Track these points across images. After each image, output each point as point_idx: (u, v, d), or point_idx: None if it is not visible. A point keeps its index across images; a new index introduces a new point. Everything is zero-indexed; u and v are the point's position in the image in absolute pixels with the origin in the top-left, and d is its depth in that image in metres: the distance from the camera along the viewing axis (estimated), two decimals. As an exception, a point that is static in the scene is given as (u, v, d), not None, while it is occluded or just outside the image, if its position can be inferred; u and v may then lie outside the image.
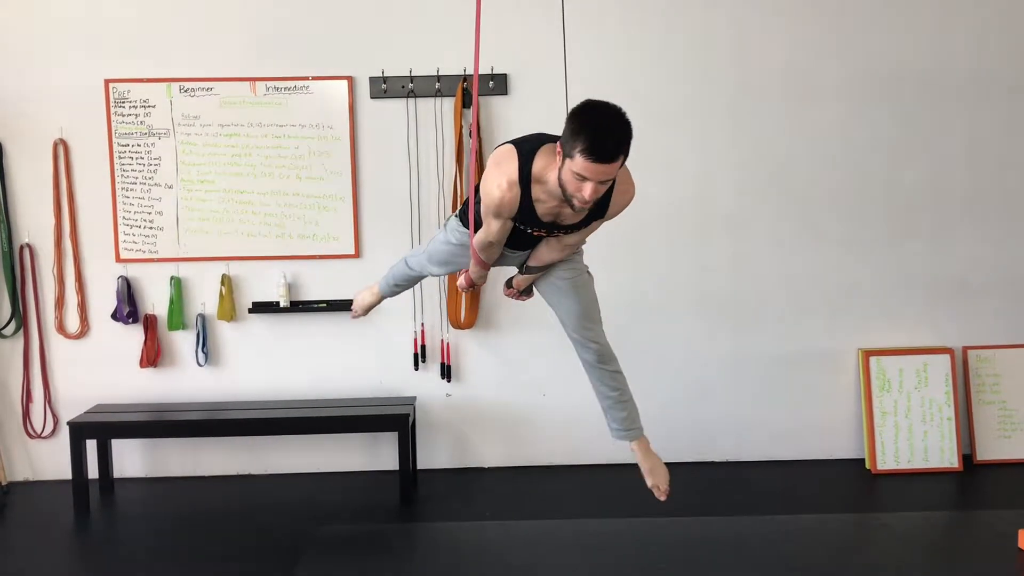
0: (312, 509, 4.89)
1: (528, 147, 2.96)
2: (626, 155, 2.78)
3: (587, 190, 2.77)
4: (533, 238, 3.19)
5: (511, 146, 3.01)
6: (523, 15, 5.21)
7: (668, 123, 5.31)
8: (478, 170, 5.13)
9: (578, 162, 2.72)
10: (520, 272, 3.43)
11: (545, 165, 2.91)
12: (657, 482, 3.41)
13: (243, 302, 5.38)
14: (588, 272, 3.42)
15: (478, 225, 3.18)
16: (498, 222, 3.04)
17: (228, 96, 5.26)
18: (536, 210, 3.00)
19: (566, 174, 2.79)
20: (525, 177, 2.93)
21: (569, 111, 2.80)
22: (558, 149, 2.82)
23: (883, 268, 5.44)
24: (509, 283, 3.52)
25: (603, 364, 3.40)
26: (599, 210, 3.02)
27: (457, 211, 3.48)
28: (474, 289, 3.75)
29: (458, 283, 3.52)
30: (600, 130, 2.71)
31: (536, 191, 2.95)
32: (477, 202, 3.17)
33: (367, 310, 4.02)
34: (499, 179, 2.94)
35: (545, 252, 3.28)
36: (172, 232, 5.32)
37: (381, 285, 3.91)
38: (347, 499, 5.07)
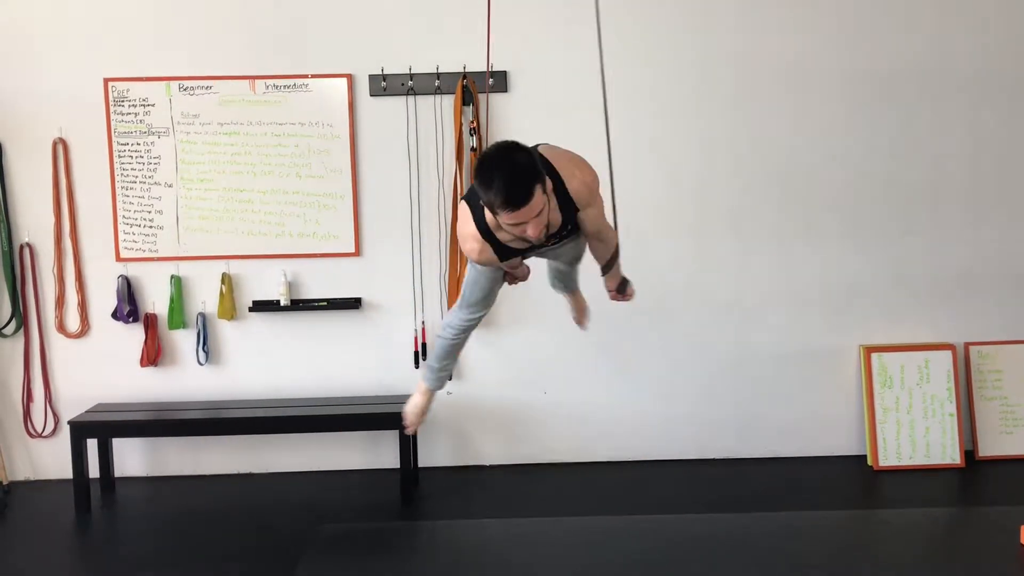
0: (313, 508, 4.89)
1: (475, 200, 2.98)
2: (542, 182, 2.79)
3: (529, 229, 2.82)
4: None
5: (464, 203, 3.10)
6: (523, 12, 5.20)
7: (669, 121, 5.30)
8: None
9: (504, 216, 2.79)
10: (603, 275, 3.52)
11: (491, 215, 2.94)
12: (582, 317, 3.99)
13: (243, 301, 5.37)
14: None
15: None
16: (489, 265, 3.16)
17: (227, 94, 5.25)
18: (512, 247, 3.06)
19: (504, 224, 2.85)
20: (484, 230, 3.00)
21: (475, 165, 2.85)
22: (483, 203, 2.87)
23: (884, 265, 5.43)
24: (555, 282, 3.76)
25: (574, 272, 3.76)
26: (568, 211, 3.04)
27: None
28: (522, 279, 3.61)
29: (507, 282, 3.51)
30: (503, 182, 2.72)
31: (501, 235, 3.00)
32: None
33: (423, 415, 3.73)
34: (467, 240, 3.07)
35: (598, 249, 3.37)
36: (172, 231, 5.32)
37: (428, 381, 3.64)
38: (348, 497, 5.06)
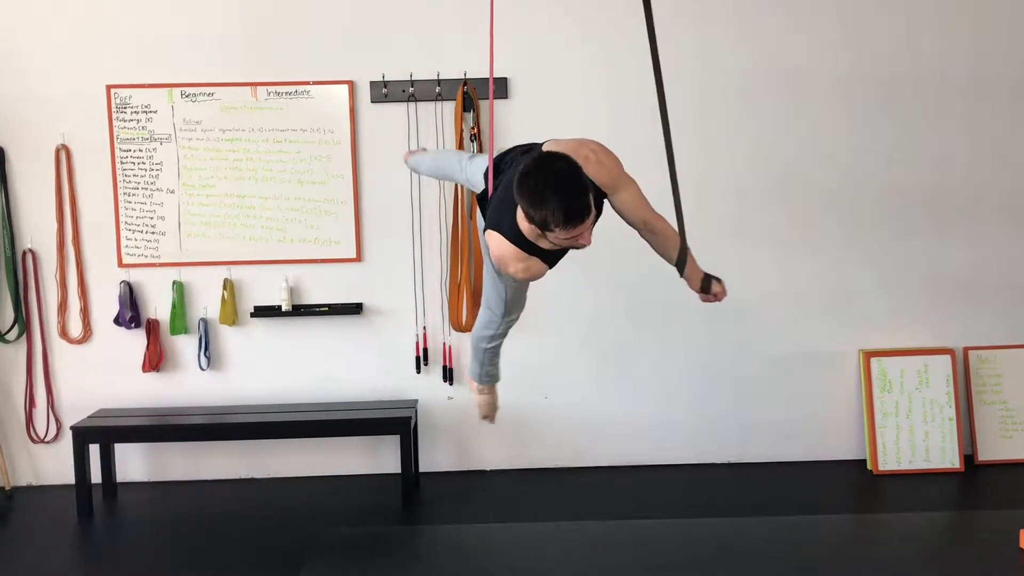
0: (315, 512, 4.90)
1: (507, 223, 2.90)
2: (589, 189, 2.73)
3: (583, 238, 2.76)
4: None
5: (489, 233, 2.98)
6: (524, 19, 5.22)
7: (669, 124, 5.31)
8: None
9: (558, 234, 2.70)
10: (680, 275, 3.29)
11: (530, 230, 2.85)
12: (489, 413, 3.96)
13: (245, 306, 5.39)
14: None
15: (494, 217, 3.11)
16: (541, 275, 3.04)
17: (229, 101, 5.28)
18: (559, 251, 2.97)
19: (554, 240, 2.77)
20: (525, 247, 2.91)
21: (516, 183, 2.72)
22: (526, 221, 2.78)
23: (884, 269, 5.44)
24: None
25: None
26: (598, 202, 2.97)
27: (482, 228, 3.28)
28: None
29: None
30: (559, 201, 2.63)
31: (543, 244, 2.90)
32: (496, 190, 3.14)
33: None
34: (512, 263, 2.94)
35: (658, 244, 3.22)
36: (174, 237, 5.33)
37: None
38: (350, 502, 5.07)
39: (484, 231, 3.07)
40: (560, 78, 5.29)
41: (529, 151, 3.10)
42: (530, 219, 2.74)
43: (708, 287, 3.27)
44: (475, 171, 3.45)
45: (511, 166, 3.10)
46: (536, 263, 2.95)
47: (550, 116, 5.24)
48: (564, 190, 2.64)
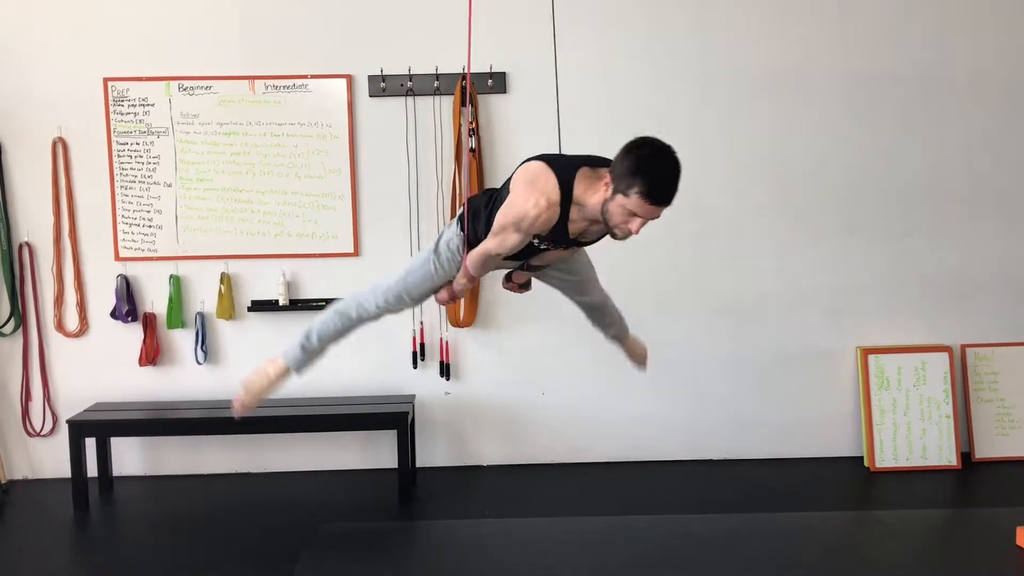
0: (311, 507, 4.89)
1: (566, 169, 2.95)
2: None
3: (636, 225, 2.86)
4: (539, 250, 3.16)
5: (545, 165, 2.97)
6: (522, 13, 5.20)
7: (666, 121, 5.30)
8: (477, 182, 5.14)
9: (633, 201, 2.80)
10: (521, 269, 3.42)
11: (585, 190, 2.93)
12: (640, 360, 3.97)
13: (242, 300, 5.38)
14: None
15: (474, 239, 3.16)
16: (518, 237, 2.99)
17: (227, 94, 5.26)
18: (568, 229, 3.01)
19: (615, 207, 2.85)
20: (566, 198, 2.94)
21: (626, 146, 2.84)
22: (607, 180, 2.86)
23: (881, 266, 5.44)
24: (509, 277, 3.50)
25: (606, 305, 3.65)
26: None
27: (456, 231, 3.28)
28: (454, 302, 3.44)
29: (438, 298, 3.32)
30: (663, 177, 2.81)
31: (573, 212, 2.96)
32: (471, 215, 3.15)
33: (262, 397, 3.42)
34: (538, 197, 2.91)
35: (552, 256, 3.27)
36: (171, 230, 5.32)
37: (292, 359, 3.36)
38: (346, 497, 5.07)
39: (536, 161, 3.02)
40: (560, 73, 5.27)
41: (506, 183, 3.12)
42: (619, 174, 2.80)
43: (528, 285, 3.49)
44: (450, 233, 3.30)
45: (496, 193, 3.17)
46: (550, 222, 2.93)
47: (549, 111, 5.21)
48: (676, 176, 2.85)
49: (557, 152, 3.13)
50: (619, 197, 2.83)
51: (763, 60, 5.33)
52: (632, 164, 2.80)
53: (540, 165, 2.99)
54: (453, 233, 3.30)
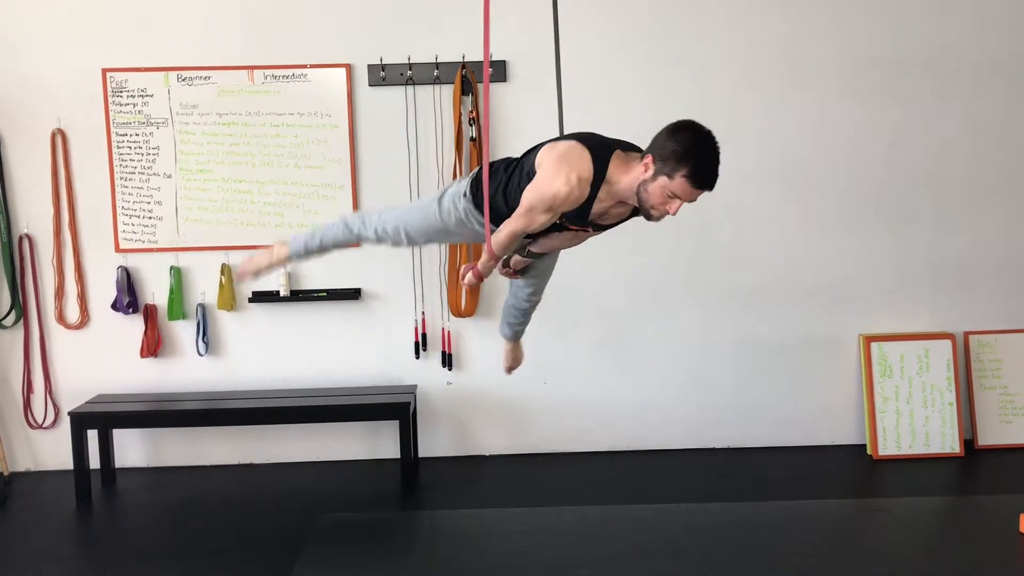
0: (314, 498, 4.89)
1: (600, 148, 2.96)
2: None
3: (675, 207, 2.90)
4: (556, 227, 3.13)
5: (578, 143, 2.96)
6: (522, 1, 5.17)
7: (667, 108, 5.26)
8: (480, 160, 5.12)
9: (677, 183, 2.84)
10: (522, 255, 3.39)
11: (618, 169, 2.94)
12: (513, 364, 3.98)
13: (243, 291, 5.37)
14: None
15: (496, 217, 3.10)
16: (547, 216, 2.97)
17: (226, 85, 5.24)
18: (592, 209, 2.99)
19: (655, 188, 2.87)
20: (599, 177, 2.93)
21: (671, 127, 2.88)
22: (647, 161, 2.87)
23: (884, 253, 5.43)
24: (506, 263, 3.47)
25: (537, 296, 3.65)
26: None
27: (465, 191, 3.24)
28: (480, 282, 3.44)
29: (465, 280, 3.35)
30: (710, 161, 2.85)
31: (602, 192, 2.96)
32: (490, 193, 3.11)
33: (263, 273, 3.72)
34: (569, 174, 2.89)
35: (557, 240, 3.28)
36: (171, 222, 5.31)
37: (296, 250, 3.57)
38: (349, 487, 5.07)
39: (568, 140, 3.02)
40: (560, 61, 5.24)
41: (528, 154, 3.09)
42: (663, 156, 2.83)
43: (525, 271, 3.48)
44: (458, 188, 3.29)
45: (516, 164, 3.13)
46: (579, 201, 2.93)
47: (549, 100, 5.18)
48: (718, 162, 2.90)
49: (589, 132, 3.10)
50: (662, 179, 2.85)
51: (764, 47, 5.30)
52: (680, 147, 2.82)
53: (572, 144, 2.98)
54: (461, 193, 3.24)
